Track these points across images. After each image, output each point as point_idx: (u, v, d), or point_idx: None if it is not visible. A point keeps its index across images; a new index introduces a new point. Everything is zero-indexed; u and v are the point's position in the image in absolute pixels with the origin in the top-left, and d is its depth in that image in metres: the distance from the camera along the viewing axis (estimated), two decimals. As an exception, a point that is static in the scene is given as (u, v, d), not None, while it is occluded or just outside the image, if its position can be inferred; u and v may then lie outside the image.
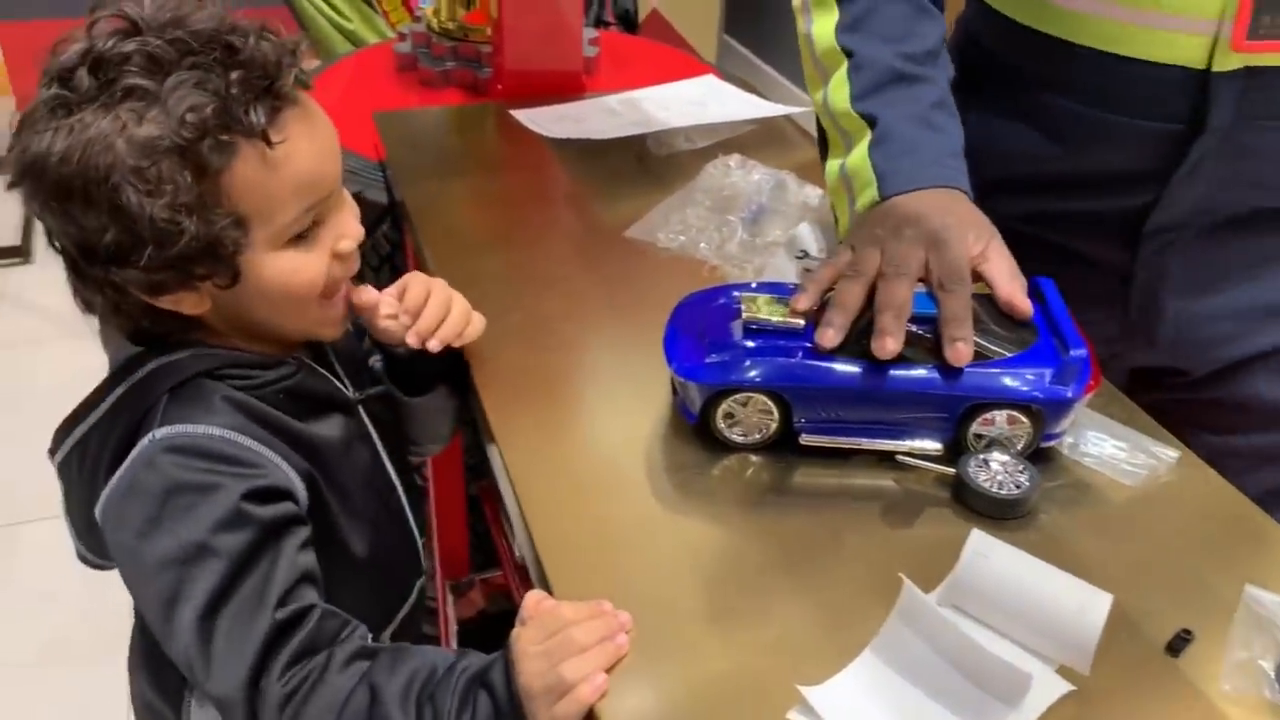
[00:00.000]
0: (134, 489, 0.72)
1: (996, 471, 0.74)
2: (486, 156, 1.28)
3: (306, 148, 0.73)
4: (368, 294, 0.84)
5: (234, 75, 0.69)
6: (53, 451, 0.78)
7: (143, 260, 0.69)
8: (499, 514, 1.32)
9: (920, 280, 0.78)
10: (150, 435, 0.72)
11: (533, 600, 0.68)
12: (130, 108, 0.68)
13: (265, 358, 0.79)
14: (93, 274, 0.72)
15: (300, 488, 0.76)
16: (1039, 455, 0.78)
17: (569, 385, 0.89)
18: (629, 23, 2.68)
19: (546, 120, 1.28)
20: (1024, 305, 0.79)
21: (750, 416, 0.78)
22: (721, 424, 0.78)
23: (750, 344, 0.77)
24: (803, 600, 0.68)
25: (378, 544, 0.85)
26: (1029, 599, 0.63)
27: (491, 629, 1.36)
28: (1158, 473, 0.78)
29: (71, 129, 0.67)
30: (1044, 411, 0.75)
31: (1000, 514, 0.73)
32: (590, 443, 0.82)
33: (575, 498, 0.76)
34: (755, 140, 1.24)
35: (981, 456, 0.75)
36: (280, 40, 0.74)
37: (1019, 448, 0.77)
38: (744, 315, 0.78)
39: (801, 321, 0.78)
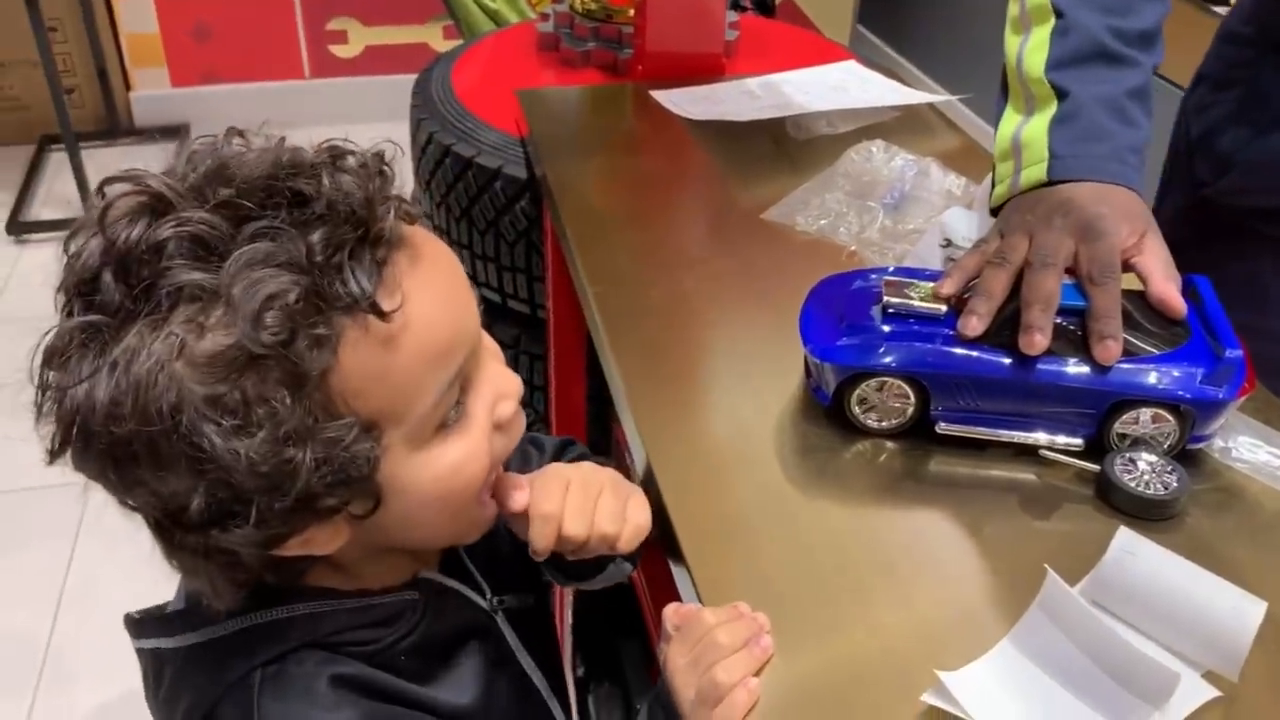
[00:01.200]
0: None
1: (1144, 471, 0.72)
2: (625, 135, 1.29)
3: (430, 302, 0.54)
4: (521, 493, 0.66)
5: (314, 236, 0.50)
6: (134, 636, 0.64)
7: (252, 517, 0.51)
8: (618, 490, 1.34)
9: (1069, 271, 0.76)
10: None
11: (672, 612, 0.64)
12: (184, 317, 0.49)
13: (383, 602, 0.62)
14: (189, 543, 0.54)
15: None
16: (1187, 458, 0.75)
17: (703, 364, 0.90)
18: (765, 9, 2.67)
19: (685, 101, 1.28)
20: (1177, 303, 0.76)
21: (886, 401, 0.77)
22: (856, 407, 0.78)
23: (889, 328, 0.76)
24: (941, 588, 0.67)
25: None
26: (1177, 600, 0.62)
27: (605, 601, 1.38)
28: (1316, 482, 0.75)
29: (114, 365, 0.49)
30: (1193, 412, 0.73)
31: (1146, 514, 0.71)
32: (726, 423, 0.82)
33: (708, 475, 0.76)
34: (897, 127, 1.23)
35: (1129, 455, 0.73)
36: (362, 164, 0.55)
37: (1164, 448, 0.75)
38: (884, 299, 0.77)
39: (944, 307, 0.77)
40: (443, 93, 1.43)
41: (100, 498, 0.55)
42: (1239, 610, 0.60)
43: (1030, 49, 0.85)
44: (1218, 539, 0.71)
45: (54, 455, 0.53)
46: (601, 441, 1.37)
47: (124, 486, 0.52)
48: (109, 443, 0.50)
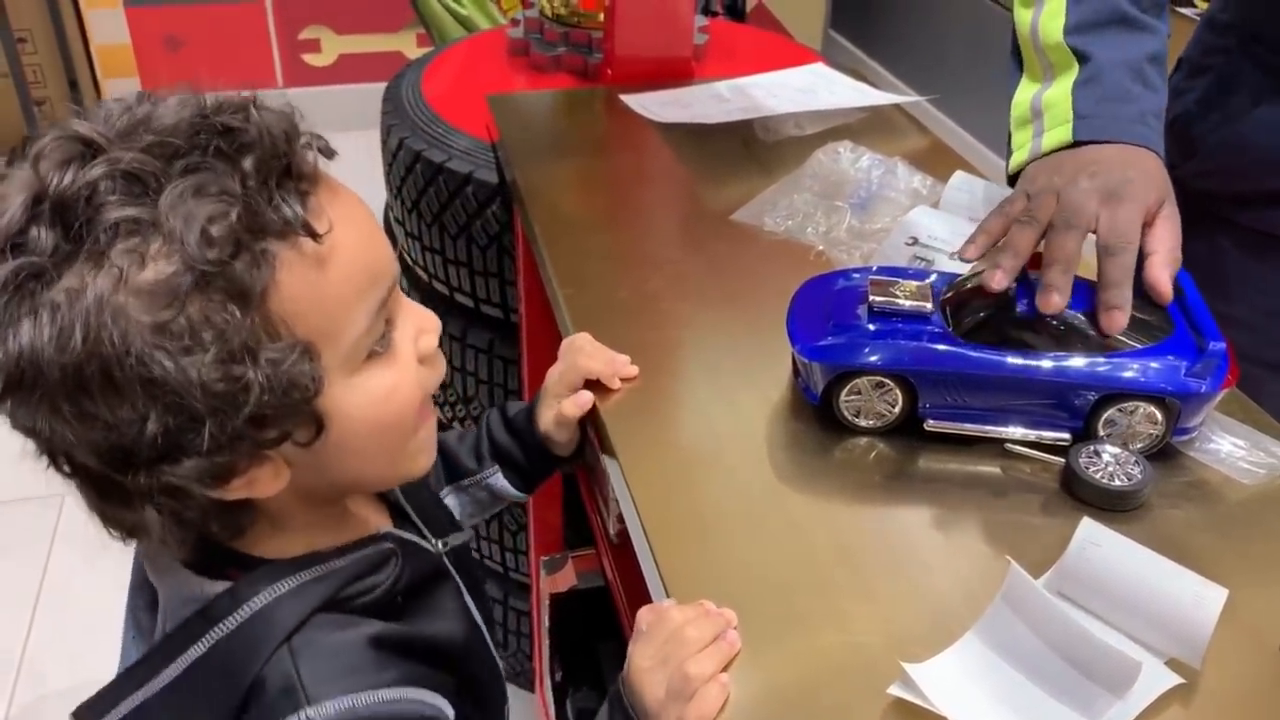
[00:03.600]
0: None
1: (1108, 463, 0.73)
2: (595, 139, 1.30)
3: (353, 231, 0.58)
4: (586, 396, 0.82)
5: (246, 163, 0.53)
6: None
7: (204, 442, 0.52)
8: (593, 492, 1.34)
9: (1091, 232, 0.76)
10: (300, 716, 0.56)
11: (645, 612, 0.65)
12: (124, 249, 0.50)
13: (364, 553, 0.64)
14: (138, 484, 0.54)
15: (452, 715, 0.65)
16: (1155, 452, 0.76)
17: (674, 364, 0.90)
18: (736, 13, 2.68)
19: (655, 105, 1.29)
20: (1164, 289, 0.76)
21: (874, 400, 0.77)
22: (844, 406, 0.78)
23: (875, 326, 0.77)
24: (907, 582, 0.68)
25: (482, 693, 0.74)
26: (1140, 589, 0.62)
27: (582, 604, 1.38)
28: (1277, 471, 0.75)
29: (55, 305, 0.50)
30: (1178, 405, 0.73)
31: (1110, 506, 0.72)
32: (696, 422, 0.83)
33: (682, 475, 0.76)
34: (865, 128, 1.24)
35: (1093, 447, 0.74)
36: (277, 108, 0.57)
37: (1151, 441, 0.75)
38: (870, 298, 0.78)
39: (929, 305, 0.77)
40: (413, 99, 1.43)
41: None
42: (1201, 598, 0.61)
43: (1046, 15, 0.85)
44: (1182, 530, 0.71)
45: None
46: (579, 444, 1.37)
47: (76, 422, 0.52)
48: (59, 377, 0.50)
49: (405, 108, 1.41)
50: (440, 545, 0.73)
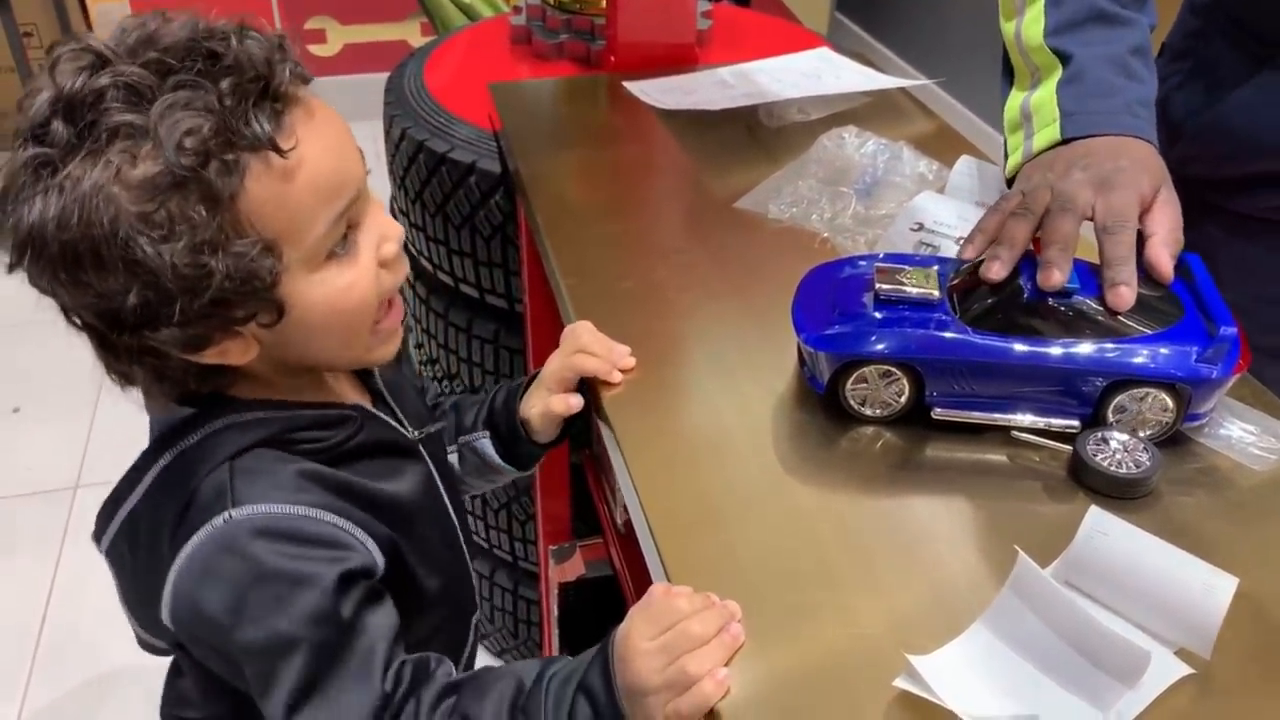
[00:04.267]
0: (210, 573, 0.66)
1: (1116, 450, 0.72)
2: (598, 127, 1.29)
3: (321, 148, 0.66)
4: (577, 400, 0.85)
5: (224, 84, 0.62)
6: (97, 536, 0.73)
7: (175, 315, 0.62)
8: (600, 482, 1.34)
9: (1087, 219, 0.76)
10: (225, 514, 0.66)
11: (662, 592, 0.65)
12: (120, 149, 0.60)
13: (325, 413, 0.73)
14: (124, 343, 0.65)
15: (380, 559, 0.71)
16: (1165, 439, 0.75)
17: (677, 353, 0.89)
18: (741, -2, 2.66)
19: (658, 92, 1.28)
20: (1165, 268, 0.76)
21: (880, 389, 0.77)
22: (850, 395, 0.77)
23: (882, 315, 0.76)
24: (913, 572, 0.67)
25: (446, 584, 0.81)
26: (1149, 578, 0.62)
27: (590, 592, 1.38)
28: (1289, 457, 0.75)
29: (61, 188, 0.60)
30: (1188, 391, 0.72)
31: (1118, 493, 0.71)
32: (701, 412, 0.82)
33: (687, 465, 0.76)
34: (870, 113, 1.23)
35: (1101, 434, 0.73)
36: (266, 36, 0.66)
37: (1161, 427, 0.74)
38: (877, 286, 0.77)
39: (936, 293, 0.76)
40: (415, 89, 1.42)
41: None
42: (1210, 587, 0.60)
43: (1027, 23, 0.87)
44: (1192, 517, 0.71)
45: (12, 267, 0.63)
46: (580, 434, 1.37)
47: (72, 288, 0.62)
48: (58, 250, 0.60)
49: (407, 98, 1.41)
50: (415, 434, 0.81)
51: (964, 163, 1.02)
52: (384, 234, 0.72)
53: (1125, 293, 0.73)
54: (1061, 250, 0.74)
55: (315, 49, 3.34)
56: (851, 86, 1.27)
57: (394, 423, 0.80)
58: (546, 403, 0.88)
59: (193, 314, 0.63)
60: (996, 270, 0.75)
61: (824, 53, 1.40)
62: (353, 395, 0.80)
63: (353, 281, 0.69)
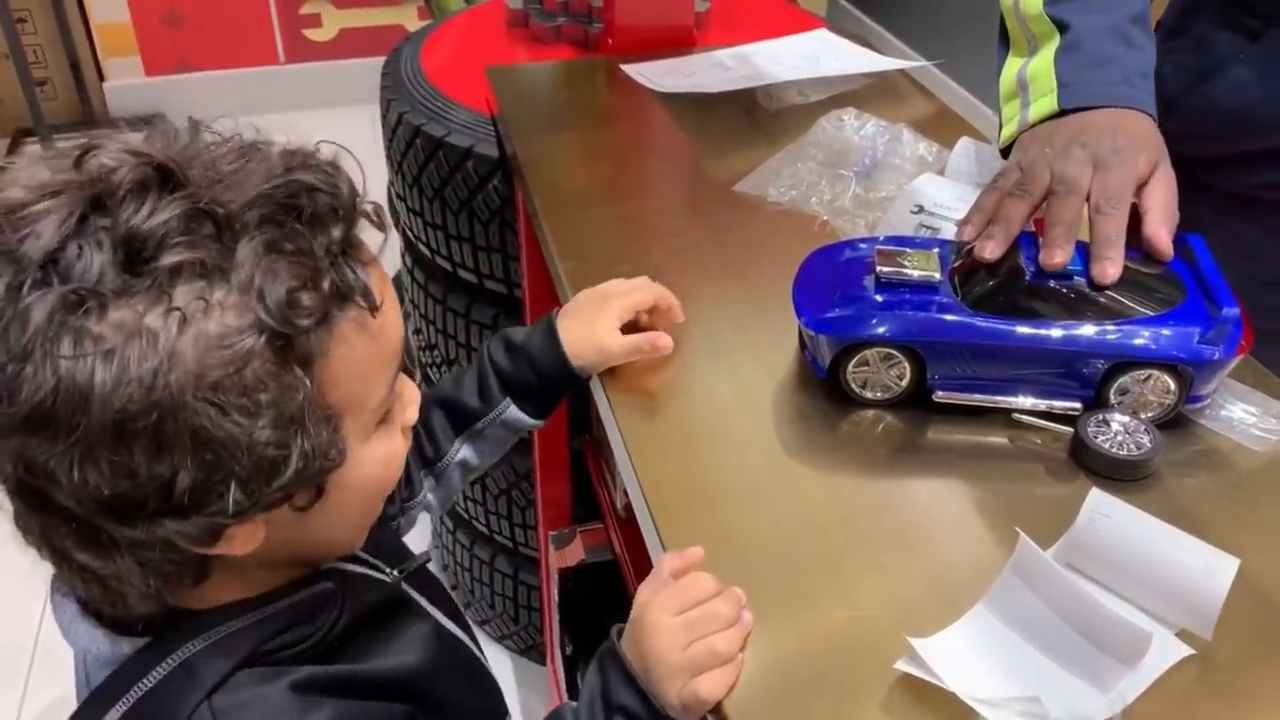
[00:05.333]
0: None
1: (1117, 432, 0.72)
2: (596, 111, 1.28)
3: (391, 304, 0.56)
4: (666, 341, 0.80)
5: (335, 231, 0.52)
6: None
7: (230, 505, 0.50)
8: (600, 467, 1.34)
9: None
10: None
11: (673, 557, 0.63)
12: (189, 294, 0.47)
13: (301, 599, 0.60)
14: (128, 535, 0.50)
15: None
16: (1166, 420, 0.75)
17: (678, 337, 0.89)
18: (739, -20, 2.63)
19: (656, 75, 1.27)
20: (1164, 244, 0.76)
21: (882, 372, 0.76)
22: (851, 378, 0.77)
23: (883, 298, 0.76)
24: (914, 555, 0.67)
25: (475, 709, 0.74)
26: (1150, 560, 0.62)
27: (590, 578, 1.38)
28: (1290, 438, 0.75)
29: (102, 339, 0.46)
30: (1190, 372, 0.72)
31: (1120, 475, 0.71)
32: (701, 396, 0.82)
33: (687, 449, 0.76)
34: (869, 95, 1.22)
35: (1102, 416, 0.73)
36: (338, 168, 0.55)
37: (1163, 409, 0.74)
38: (878, 268, 0.77)
39: (937, 275, 0.76)
40: (412, 73, 1.42)
41: None
42: (1211, 569, 0.60)
43: None
44: (1193, 498, 0.71)
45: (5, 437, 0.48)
46: (580, 418, 1.37)
47: (99, 470, 0.47)
48: (109, 421, 0.46)
49: (404, 82, 1.40)
50: (395, 574, 0.69)
51: (964, 144, 1.02)
52: (411, 398, 0.63)
53: (1109, 267, 0.73)
54: (1065, 232, 0.74)
55: (311, 33, 3.33)
56: (850, 68, 1.26)
57: (369, 570, 0.68)
58: (614, 341, 0.80)
59: (246, 504, 0.50)
60: (991, 249, 0.75)
61: (823, 34, 1.39)
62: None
63: (394, 450, 0.60)
